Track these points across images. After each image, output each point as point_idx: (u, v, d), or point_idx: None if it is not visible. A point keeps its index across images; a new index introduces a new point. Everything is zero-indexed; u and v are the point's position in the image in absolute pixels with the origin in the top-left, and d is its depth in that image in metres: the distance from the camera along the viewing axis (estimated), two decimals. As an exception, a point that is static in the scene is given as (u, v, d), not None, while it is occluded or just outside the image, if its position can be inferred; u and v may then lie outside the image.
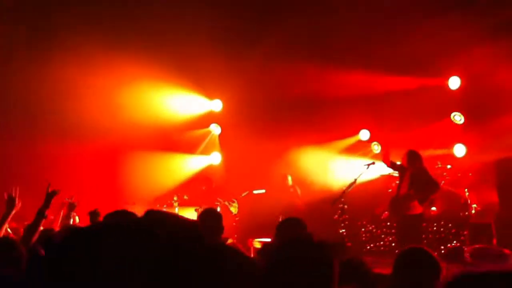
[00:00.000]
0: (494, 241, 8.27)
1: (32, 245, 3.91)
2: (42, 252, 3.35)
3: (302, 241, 2.05)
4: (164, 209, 11.02)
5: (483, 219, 8.81)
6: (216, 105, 12.57)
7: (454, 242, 9.04)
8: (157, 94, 11.28)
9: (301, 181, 11.23)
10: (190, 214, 10.78)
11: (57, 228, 5.64)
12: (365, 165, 9.05)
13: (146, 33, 10.58)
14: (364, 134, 11.57)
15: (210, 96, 12.43)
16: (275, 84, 11.22)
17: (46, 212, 4.45)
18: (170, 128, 11.88)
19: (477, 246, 6.80)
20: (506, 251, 6.12)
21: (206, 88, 12.01)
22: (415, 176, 8.08)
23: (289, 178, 11.13)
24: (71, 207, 6.11)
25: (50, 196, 4.54)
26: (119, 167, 11.22)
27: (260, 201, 11.16)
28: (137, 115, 11.09)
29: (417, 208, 8.02)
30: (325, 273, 1.86)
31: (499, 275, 1.44)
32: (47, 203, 4.47)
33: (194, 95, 12.05)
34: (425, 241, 9.41)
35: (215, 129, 12.77)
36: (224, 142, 12.72)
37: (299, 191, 10.88)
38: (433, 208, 9.92)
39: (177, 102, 11.82)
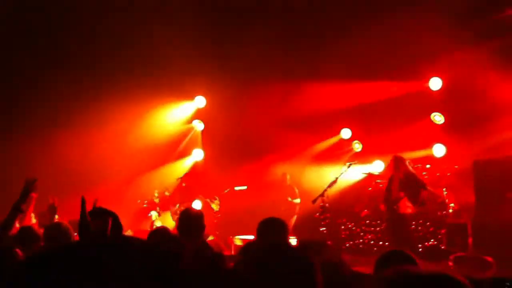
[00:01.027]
0: (470, 240, 8.44)
1: (7, 244, 3.75)
2: (19, 252, 3.28)
3: (285, 247, 2.07)
4: (145, 205, 11.00)
5: (460, 219, 8.98)
6: (199, 102, 12.52)
7: (432, 240, 9.20)
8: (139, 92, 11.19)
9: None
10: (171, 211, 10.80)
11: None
12: (346, 164, 9.14)
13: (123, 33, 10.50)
14: (346, 133, 11.68)
15: (194, 92, 12.39)
16: (258, 83, 11.23)
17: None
18: (153, 125, 11.85)
19: (459, 253, 6.94)
20: (489, 259, 6.25)
21: (190, 85, 11.95)
22: (404, 180, 8.40)
23: (288, 177, 11.19)
24: (52, 210, 5.94)
25: (26, 190, 4.21)
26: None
27: (242, 198, 11.20)
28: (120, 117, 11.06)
29: (409, 208, 8.36)
30: (309, 281, 1.89)
31: (429, 276, 1.52)
32: (23, 198, 4.16)
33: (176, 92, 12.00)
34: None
35: (197, 125, 12.73)
36: (206, 138, 12.70)
37: (296, 191, 10.92)
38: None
39: (160, 100, 11.77)
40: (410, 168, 8.58)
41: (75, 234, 4.43)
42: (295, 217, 10.62)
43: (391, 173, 8.65)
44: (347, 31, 9.91)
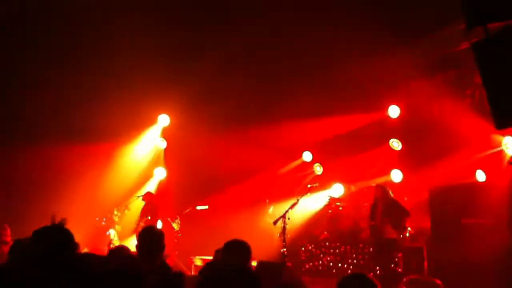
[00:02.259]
0: (425, 264, 8.66)
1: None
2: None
3: (238, 269, 2.13)
4: (103, 223, 10.79)
5: (416, 243, 9.20)
6: (163, 120, 12.45)
7: (392, 264, 9.35)
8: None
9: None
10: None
11: None
12: (308, 186, 9.30)
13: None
14: (307, 156, 11.86)
15: (157, 110, 12.33)
16: (221, 103, 11.32)
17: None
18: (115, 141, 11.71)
19: (412, 276, 7.14)
20: (438, 281, 6.46)
21: (153, 102, 11.88)
22: (388, 207, 8.84)
23: (271, 209, 11.22)
24: None
25: None
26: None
27: (203, 218, 11.14)
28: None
29: (392, 233, 8.76)
30: None
31: None
32: None
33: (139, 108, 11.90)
34: (361, 262, 9.73)
35: (160, 143, 12.64)
36: (169, 157, 12.60)
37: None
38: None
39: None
40: (392, 195, 8.99)
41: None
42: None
43: (373, 200, 9.16)
44: (309, 70, 10.20)
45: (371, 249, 9.64)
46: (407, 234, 9.35)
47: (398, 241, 8.82)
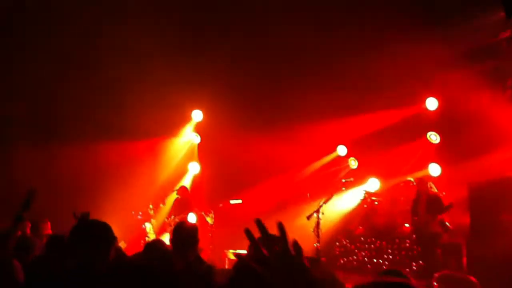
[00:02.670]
0: (464, 260, 8.44)
1: (7, 252, 3.75)
2: (17, 263, 3.28)
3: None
4: (139, 217, 10.98)
5: (455, 239, 8.99)
6: (196, 116, 12.57)
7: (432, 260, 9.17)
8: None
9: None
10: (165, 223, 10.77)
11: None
12: (343, 181, 9.22)
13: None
14: (342, 150, 11.73)
15: (191, 106, 12.45)
16: (253, 97, 11.33)
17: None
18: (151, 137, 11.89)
19: (445, 272, 6.98)
20: (473, 279, 6.29)
21: (186, 98, 11.99)
22: (431, 202, 8.85)
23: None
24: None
25: (29, 198, 4.14)
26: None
27: (237, 212, 11.18)
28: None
29: (436, 228, 8.79)
30: None
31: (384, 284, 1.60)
32: (26, 206, 4.10)
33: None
34: (397, 257, 9.58)
35: (194, 138, 12.76)
36: (203, 152, 12.72)
37: None
38: (406, 225, 10.09)
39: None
40: (435, 189, 8.94)
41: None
42: None
43: (415, 195, 9.18)
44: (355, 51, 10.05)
45: (407, 244, 9.49)
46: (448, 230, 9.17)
47: (441, 236, 8.69)
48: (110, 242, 2.95)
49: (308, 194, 11.20)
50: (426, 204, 8.83)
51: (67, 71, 10.73)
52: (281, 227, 1.50)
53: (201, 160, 12.66)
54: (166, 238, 9.12)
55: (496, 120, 9.03)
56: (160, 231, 10.84)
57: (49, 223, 6.15)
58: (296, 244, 1.49)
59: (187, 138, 12.80)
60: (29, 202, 4.13)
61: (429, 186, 8.95)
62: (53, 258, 3.85)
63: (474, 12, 9.02)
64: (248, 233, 1.53)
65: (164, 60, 10.57)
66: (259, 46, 10.64)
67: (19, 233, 4.36)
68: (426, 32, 9.34)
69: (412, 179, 10.35)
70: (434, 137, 10.44)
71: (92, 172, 11.05)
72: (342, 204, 10.80)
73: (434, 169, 10.07)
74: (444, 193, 9.69)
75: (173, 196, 11.21)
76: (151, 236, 10.33)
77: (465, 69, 9.25)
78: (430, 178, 9.81)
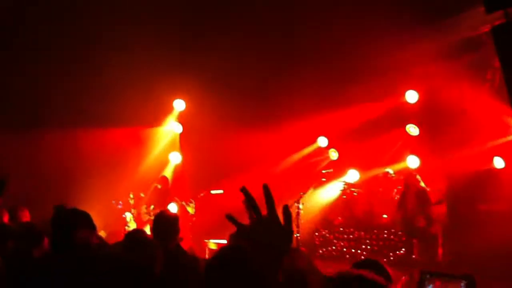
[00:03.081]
0: (440, 251, 8.64)
1: None
2: None
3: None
4: (120, 206, 10.92)
5: (431, 229, 9.16)
6: (178, 105, 12.49)
7: (403, 249, 9.35)
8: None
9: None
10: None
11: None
12: (323, 172, 9.30)
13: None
14: (323, 141, 11.78)
15: (174, 95, 12.36)
16: (235, 87, 11.31)
17: None
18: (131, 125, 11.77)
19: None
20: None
21: (169, 88, 11.91)
22: (419, 196, 8.98)
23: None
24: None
25: (2, 183, 4.14)
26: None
27: (218, 202, 11.19)
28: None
29: (422, 222, 8.89)
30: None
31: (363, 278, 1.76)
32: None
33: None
34: (375, 248, 9.74)
35: (176, 128, 12.69)
36: (184, 141, 12.66)
37: None
38: (384, 216, 10.25)
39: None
40: (422, 184, 9.04)
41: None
42: None
43: (403, 187, 9.36)
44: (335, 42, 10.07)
45: (385, 234, 9.65)
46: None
47: (426, 230, 8.84)
48: (91, 229, 2.96)
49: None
50: (415, 197, 8.97)
51: (49, 58, 10.54)
52: (266, 190, 1.57)
53: (182, 150, 12.61)
54: (147, 229, 9.10)
55: (475, 113, 9.18)
56: (139, 221, 10.81)
57: (27, 211, 6.08)
58: (286, 209, 1.59)
59: (169, 127, 12.72)
60: (2, 188, 4.04)
61: (419, 179, 9.08)
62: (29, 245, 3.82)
63: (455, 6, 9.12)
64: (230, 218, 1.62)
65: (147, 48, 10.47)
66: (243, 36, 10.60)
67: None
68: (407, 25, 9.42)
69: (391, 171, 10.50)
70: (413, 129, 10.58)
71: (72, 160, 10.91)
72: (322, 195, 10.90)
73: (413, 161, 10.21)
74: (428, 188, 9.83)
75: (154, 185, 11.17)
76: (132, 226, 10.29)
77: (446, 62, 9.36)
78: (409, 170, 9.96)
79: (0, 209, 4.51)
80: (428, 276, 2.17)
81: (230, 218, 1.62)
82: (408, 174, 9.45)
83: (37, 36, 10.31)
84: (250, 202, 1.59)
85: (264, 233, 1.55)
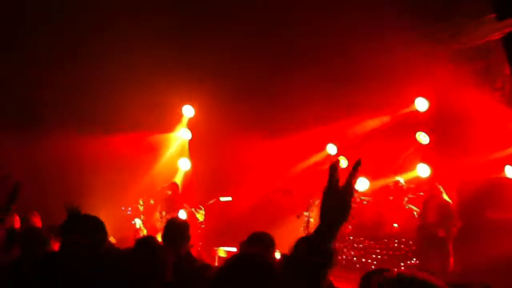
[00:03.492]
0: (451, 260, 8.56)
1: None
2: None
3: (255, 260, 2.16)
4: (129, 213, 10.96)
5: (448, 240, 9.08)
6: (187, 111, 12.54)
7: (414, 259, 9.27)
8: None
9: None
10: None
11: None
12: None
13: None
14: (331, 148, 11.72)
15: (183, 101, 12.42)
16: (246, 95, 11.33)
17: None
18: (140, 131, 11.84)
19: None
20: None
21: (178, 94, 11.96)
22: (441, 208, 8.88)
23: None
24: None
25: (15, 190, 4.17)
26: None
27: (227, 209, 11.20)
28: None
29: (442, 233, 8.80)
30: None
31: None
32: (13, 198, 3.83)
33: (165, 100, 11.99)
34: (385, 257, 9.67)
35: (185, 134, 12.73)
36: (193, 147, 12.69)
37: None
38: (395, 225, 10.18)
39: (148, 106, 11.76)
40: (445, 196, 8.92)
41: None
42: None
43: (426, 197, 9.26)
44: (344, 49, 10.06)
45: (395, 244, 9.58)
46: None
47: (444, 242, 8.79)
48: (103, 235, 2.98)
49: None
50: (436, 209, 8.90)
51: (53, 63, 10.61)
52: (332, 168, 1.83)
53: (192, 156, 12.64)
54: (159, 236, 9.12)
55: (485, 121, 9.13)
56: (149, 227, 10.83)
57: (39, 216, 6.13)
58: (348, 184, 1.83)
59: (178, 133, 12.77)
60: (15, 195, 4.06)
61: (442, 191, 8.98)
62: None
63: (466, 13, 9.10)
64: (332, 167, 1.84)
65: (155, 54, 10.52)
66: (252, 42, 10.63)
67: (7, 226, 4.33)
68: (417, 32, 9.41)
69: (401, 180, 10.43)
70: (423, 137, 10.52)
71: (82, 166, 10.98)
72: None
73: (423, 170, 10.15)
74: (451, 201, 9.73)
75: (163, 192, 11.20)
76: (144, 232, 10.33)
77: (456, 69, 9.33)
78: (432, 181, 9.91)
79: (12, 214, 4.54)
80: None
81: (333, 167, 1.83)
82: (432, 184, 9.33)
83: (41, 39, 10.38)
84: (331, 172, 1.83)
85: (329, 200, 1.82)
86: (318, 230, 1.85)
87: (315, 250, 1.80)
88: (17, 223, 5.67)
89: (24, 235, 4.39)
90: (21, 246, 4.15)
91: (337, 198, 1.82)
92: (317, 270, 1.83)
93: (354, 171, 1.87)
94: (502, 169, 9.09)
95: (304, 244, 1.84)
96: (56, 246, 3.92)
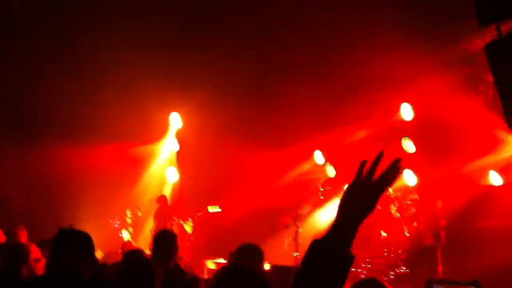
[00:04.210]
0: (440, 268, 8.60)
1: None
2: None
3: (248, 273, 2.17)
4: (117, 225, 10.86)
5: (437, 247, 9.13)
6: (175, 121, 12.49)
7: (403, 268, 9.29)
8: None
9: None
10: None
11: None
12: (321, 189, 9.29)
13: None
14: (319, 157, 11.63)
15: (170, 111, 12.39)
16: (233, 104, 11.34)
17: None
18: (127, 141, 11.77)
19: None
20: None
21: (165, 104, 11.92)
22: (426, 214, 9.12)
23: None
24: None
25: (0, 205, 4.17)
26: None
27: (216, 220, 11.15)
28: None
29: (429, 240, 8.98)
30: None
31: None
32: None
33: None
34: (375, 266, 9.67)
35: (172, 145, 12.66)
36: (181, 158, 12.62)
37: None
38: (384, 234, 10.20)
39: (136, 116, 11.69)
40: (439, 205, 9.14)
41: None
42: None
43: (413, 206, 9.44)
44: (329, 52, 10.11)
45: (384, 253, 9.61)
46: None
47: (434, 249, 8.85)
48: (92, 251, 2.96)
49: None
50: (423, 216, 9.06)
51: (44, 71, 10.57)
52: (362, 164, 1.79)
53: (180, 167, 12.58)
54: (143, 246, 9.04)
55: (471, 128, 9.22)
56: (140, 240, 10.73)
57: (25, 231, 6.04)
58: (387, 178, 1.76)
59: (166, 144, 12.71)
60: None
61: (428, 198, 9.25)
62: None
63: (449, 20, 9.21)
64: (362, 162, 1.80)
65: (143, 64, 10.50)
66: (240, 52, 10.66)
67: None
68: (402, 40, 9.50)
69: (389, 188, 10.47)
70: (409, 145, 10.58)
71: (68, 177, 10.86)
72: (321, 214, 10.82)
73: (410, 178, 10.19)
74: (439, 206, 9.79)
75: (150, 203, 11.13)
76: (133, 244, 10.23)
77: (441, 77, 9.42)
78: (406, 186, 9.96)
79: None
80: (435, 285, 2.19)
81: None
82: (418, 193, 9.53)
83: (35, 50, 10.35)
84: (361, 165, 1.79)
85: (355, 192, 1.76)
86: (336, 226, 1.76)
87: (336, 255, 1.69)
88: (1, 238, 5.60)
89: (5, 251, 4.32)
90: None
91: (366, 191, 1.76)
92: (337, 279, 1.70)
93: (396, 166, 1.79)
94: (488, 176, 9.18)
95: (321, 248, 1.74)
96: (42, 263, 3.86)
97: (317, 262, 1.71)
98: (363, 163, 1.79)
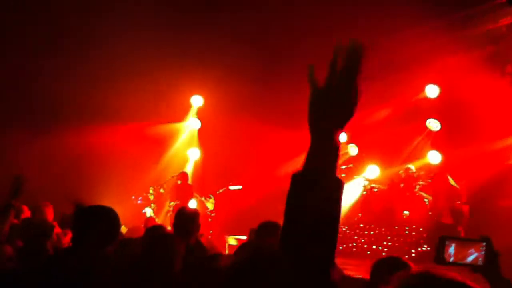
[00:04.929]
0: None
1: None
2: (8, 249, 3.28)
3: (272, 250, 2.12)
4: (139, 201, 11.01)
5: (458, 227, 9.05)
6: (197, 100, 12.53)
7: (425, 246, 9.24)
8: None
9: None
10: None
11: None
12: (342, 167, 9.25)
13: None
14: (342, 136, 11.61)
15: (192, 90, 12.40)
16: (256, 83, 11.28)
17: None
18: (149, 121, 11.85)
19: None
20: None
21: (187, 83, 11.94)
22: (449, 194, 9.03)
23: None
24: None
25: (17, 185, 4.04)
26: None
27: (237, 198, 11.22)
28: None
29: (449, 219, 8.95)
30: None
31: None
32: (15, 194, 4.01)
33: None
34: (396, 244, 9.65)
35: (194, 124, 12.73)
36: (202, 136, 12.69)
37: None
38: (406, 212, 10.14)
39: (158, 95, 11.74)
40: (452, 182, 9.00)
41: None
42: None
43: (434, 185, 9.37)
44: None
45: (406, 231, 9.56)
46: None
47: (454, 228, 8.79)
48: (117, 225, 2.99)
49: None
50: (444, 195, 8.96)
51: (62, 53, 10.62)
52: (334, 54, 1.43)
53: (201, 145, 12.65)
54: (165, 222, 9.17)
55: (496, 107, 9.02)
56: (162, 217, 10.89)
57: (51, 208, 6.16)
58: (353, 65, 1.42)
59: (187, 123, 12.77)
60: (18, 189, 4.06)
61: (447, 177, 9.03)
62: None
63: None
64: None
65: (165, 45, 10.50)
66: (262, 29, 10.55)
67: (14, 221, 4.34)
68: (426, 18, 9.28)
69: (412, 167, 10.36)
70: (434, 124, 10.43)
71: (91, 156, 11.02)
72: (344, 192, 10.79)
73: (434, 157, 10.07)
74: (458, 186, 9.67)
75: (173, 181, 11.23)
76: (156, 221, 10.39)
77: (466, 55, 9.22)
78: (439, 167, 9.84)
79: (18, 207, 4.58)
80: (447, 241, 2.16)
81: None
82: (438, 171, 9.40)
83: (49, 35, 10.41)
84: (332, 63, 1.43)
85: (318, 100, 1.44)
86: (312, 148, 1.43)
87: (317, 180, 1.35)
88: (27, 214, 5.72)
89: (24, 227, 4.41)
90: (22, 239, 4.17)
91: (333, 90, 1.41)
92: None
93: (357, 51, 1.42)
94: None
95: (300, 180, 1.40)
96: (68, 237, 3.94)
97: (299, 197, 1.37)
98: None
